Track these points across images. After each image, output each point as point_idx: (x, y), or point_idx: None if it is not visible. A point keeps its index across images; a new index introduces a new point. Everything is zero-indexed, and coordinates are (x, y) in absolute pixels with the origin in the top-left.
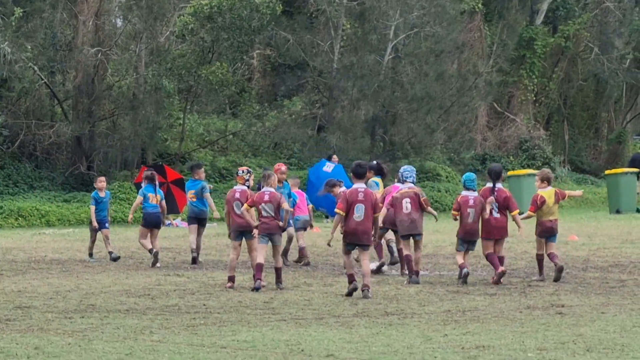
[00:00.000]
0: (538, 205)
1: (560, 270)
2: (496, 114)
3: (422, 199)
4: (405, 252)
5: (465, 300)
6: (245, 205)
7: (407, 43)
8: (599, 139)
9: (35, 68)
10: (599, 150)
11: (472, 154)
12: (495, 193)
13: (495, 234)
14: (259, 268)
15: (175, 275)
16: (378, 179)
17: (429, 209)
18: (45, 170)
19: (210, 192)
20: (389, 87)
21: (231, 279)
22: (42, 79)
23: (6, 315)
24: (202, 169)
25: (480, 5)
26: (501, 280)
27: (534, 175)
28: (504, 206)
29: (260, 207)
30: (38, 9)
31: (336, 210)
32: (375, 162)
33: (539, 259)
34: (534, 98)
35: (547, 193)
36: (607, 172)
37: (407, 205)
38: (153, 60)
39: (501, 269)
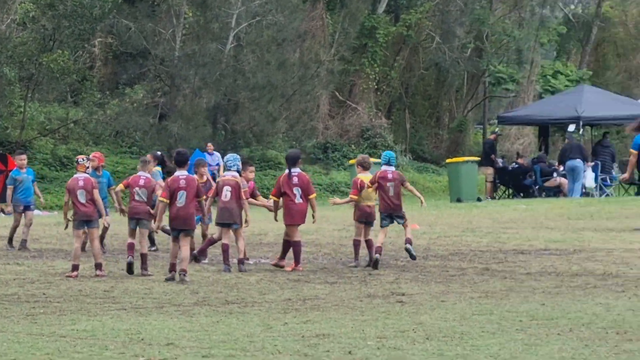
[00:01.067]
0: (359, 189)
1: (375, 263)
2: (338, 102)
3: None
4: (223, 241)
5: (306, 289)
6: (121, 185)
7: (249, 31)
8: (440, 128)
9: None
10: (440, 139)
11: (314, 142)
12: (295, 178)
13: (298, 218)
14: (130, 247)
15: (15, 264)
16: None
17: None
18: None
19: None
20: (231, 76)
21: (75, 267)
22: None
23: None
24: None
25: None
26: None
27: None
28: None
29: (134, 190)
30: None
31: (159, 198)
32: (159, 152)
33: (356, 244)
34: (376, 87)
35: (367, 178)
36: (448, 160)
37: (226, 193)
38: None
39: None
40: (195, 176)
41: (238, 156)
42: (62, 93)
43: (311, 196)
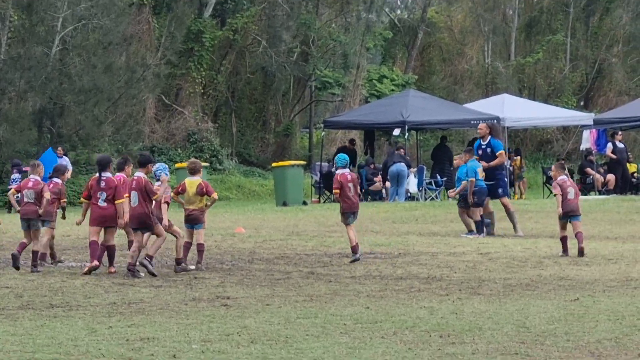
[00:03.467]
0: (179, 191)
1: (183, 269)
2: (164, 106)
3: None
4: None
5: (131, 292)
6: (13, 190)
7: (75, 35)
8: (267, 132)
9: None
10: (267, 143)
11: (140, 146)
12: (103, 182)
13: (100, 222)
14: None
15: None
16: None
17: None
18: None
19: None
20: (57, 79)
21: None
22: None
23: None
24: None
25: None
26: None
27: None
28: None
29: (23, 192)
30: None
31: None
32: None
33: (187, 246)
34: (202, 91)
35: (191, 182)
36: (274, 164)
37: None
38: None
39: (95, 263)
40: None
41: (166, 166)
42: None
43: (119, 201)
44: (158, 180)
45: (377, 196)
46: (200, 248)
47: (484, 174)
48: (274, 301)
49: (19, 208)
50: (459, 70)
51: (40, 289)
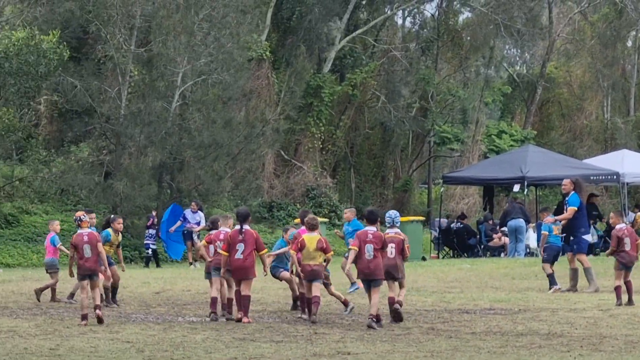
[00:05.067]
0: (299, 247)
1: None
2: (283, 161)
3: None
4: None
5: (252, 348)
6: (204, 242)
7: (194, 90)
8: (385, 187)
9: None
10: (386, 199)
11: (259, 201)
12: (242, 235)
13: (241, 274)
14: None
15: None
16: None
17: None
18: None
19: None
20: (177, 134)
21: (85, 317)
22: None
23: None
24: None
25: (268, 53)
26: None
27: (322, 222)
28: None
29: (215, 244)
30: None
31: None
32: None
33: (302, 299)
34: (321, 146)
35: (310, 238)
36: None
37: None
38: None
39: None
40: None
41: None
42: (7, 150)
43: (261, 252)
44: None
45: (496, 252)
46: (316, 300)
47: (558, 231)
48: (395, 357)
49: (210, 259)
50: (577, 125)
51: (161, 344)
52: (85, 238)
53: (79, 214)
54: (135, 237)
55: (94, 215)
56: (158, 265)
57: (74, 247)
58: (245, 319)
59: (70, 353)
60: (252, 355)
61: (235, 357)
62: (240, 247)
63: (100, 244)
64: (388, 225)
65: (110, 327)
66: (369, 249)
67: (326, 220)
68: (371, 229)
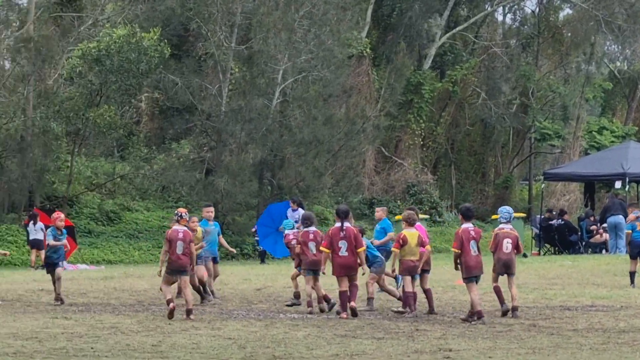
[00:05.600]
0: (401, 244)
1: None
2: (384, 158)
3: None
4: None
5: (353, 344)
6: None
7: (295, 87)
8: (486, 184)
9: None
10: (486, 195)
11: (360, 198)
12: (344, 232)
13: (346, 271)
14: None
15: (63, 318)
16: None
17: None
18: None
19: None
20: (277, 131)
21: (169, 301)
22: None
23: None
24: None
25: (368, 49)
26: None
27: (423, 219)
28: (354, 244)
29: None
30: None
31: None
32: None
33: (407, 295)
34: (422, 142)
35: (411, 234)
36: (493, 217)
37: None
38: (41, 103)
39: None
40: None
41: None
42: (109, 148)
43: (360, 249)
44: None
45: (597, 249)
46: (421, 294)
47: None
48: (496, 354)
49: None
50: None
51: (263, 340)
52: (180, 235)
53: (181, 210)
54: (236, 233)
55: (196, 219)
56: (262, 262)
57: (168, 241)
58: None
59: (172, 349)
60: (353, 352)
61: (336, 354)
62: (343, 244)
63: (192, 244)
64: (504, 221)
65: (212, 324)
66: (473, 246)
67: (427, 216)
68: (469, 225)
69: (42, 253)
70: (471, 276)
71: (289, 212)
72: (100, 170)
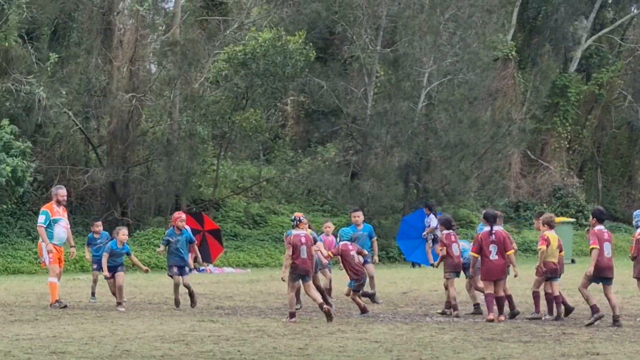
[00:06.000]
0: (548, 242)
1: (568, 311)
2: (530, 161)
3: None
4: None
5: (500, 348)
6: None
7: (440, 90)
8: (633, 187)
9: (70, 113)
10: (633, 198)
11: (506, 201)
12: (494, 236)
13: (495, 275)
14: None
15: (210, 321)
16: None
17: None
18: (79, 215)
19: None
20: (423, 134)
21: (292, 314)
22: (77, 125)
23: None
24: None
25: (513, 52)
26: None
27: (569, 222)
28: (503, 247)
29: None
30: (73, 55)
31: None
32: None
33: (535, 295)
34: (568, 145)
35: (553, 236)
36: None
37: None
38: (187, 106)
39: (491, 316)
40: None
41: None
42: (255, 151)
43: (509, 252)
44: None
45: None
46: (550, 297)
47: None
48: None
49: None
50: None
51: (409, 344)
52: (303, 239)
53: (299, 214)
54: (381, 237)
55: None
56: (413, 266)
57: (292, 246)
58: (501, 317)
59: (319, 353)
60: (500, 356)
61: (483, 357)
62: (494, 248)
63: (313, 247)
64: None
65: (359, 327)
66: (607, 247)
67: (573, 220)
68: (602, 227)
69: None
70: (602, 277)
71: (426, 218)
72: (246, 174)
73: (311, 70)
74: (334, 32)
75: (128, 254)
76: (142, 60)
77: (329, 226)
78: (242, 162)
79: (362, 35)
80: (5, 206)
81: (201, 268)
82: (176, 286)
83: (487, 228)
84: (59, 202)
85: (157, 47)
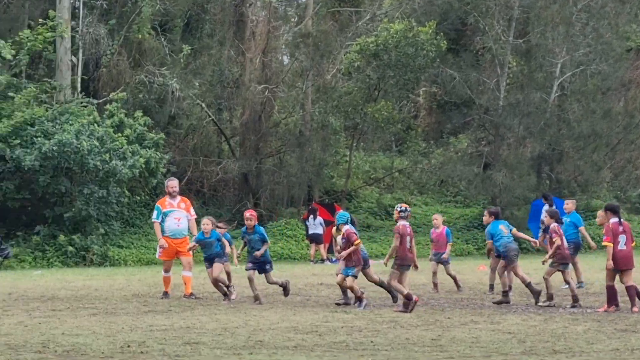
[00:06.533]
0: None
1: None
2: None
3: None
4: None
5: (634, 339)
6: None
7: (573, 80)
8: None
9: (203, 105)
10: None
11: (639, 192)
12: (622, 227)
13: (622, 264)
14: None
15: (343, 312)
16: None
17: None
18: (212, 207)
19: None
20: (555, 125)
21: (409, 296)
22: (210, 116)
23: (175, 352)
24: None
25: None
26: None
27: None
28: (631, 238)
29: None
30: (206, 46)
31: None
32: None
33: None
34: None
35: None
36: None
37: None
38: (319, 98)
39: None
40: None
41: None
42: (387, 142)
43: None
44: None
45: None
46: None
47: None
48: None
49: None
50: None
51: (542, 335)
52: (408, 230)
53: (404, 205)
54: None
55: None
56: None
57: (401, 236)
58: (635, 308)
59: (452, 343)
60: (634, 347)
61: (617, 348)
62: (622, 238)
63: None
64: None
65: (491, 318)
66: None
67: None
68: (616, 220)
69: (321, 247)
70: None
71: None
72: (379, 165)
73: (443, 61)
74: (466, 23)
75: (218, 239)
76: (274, 52)
77: (437, 218)
78: (375, 153)
79: (494, 26)
80: (139, 197)
81: (334, 259)
82: (250, 280)
83: (614, 219)
84: (170, 194)
85: (289, 38)
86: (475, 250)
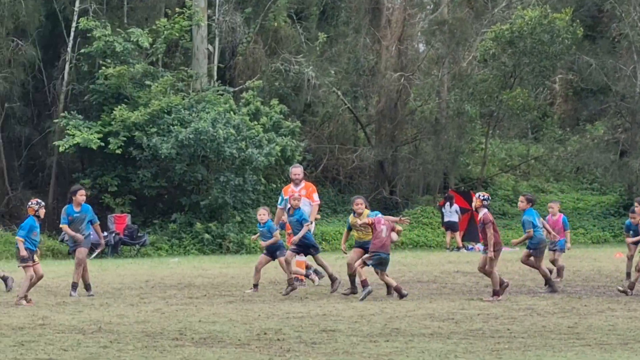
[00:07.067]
0: None
1: None
2: None
3: None
4: None
5: None
6: None
7: None
8: None
9: (339, 93)
10: None
11: None
12: None
13: None
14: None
15: (479, 299)
16: None
17: None
18: (348, 194)
19: None
20: None
21: (499, 289)
22: (346, 104)
23: (312, 339)
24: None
25: None
26: None
27: None
28: None
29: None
30: (342, 34)
31: None
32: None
33: None
34: None
35: None
36: None
37: None
38: (455, 85)
39: None
40: None
41: None
42: (523, 129)
43: None
44: None
45: None
46: None
47: None
48: None
49: None
50: None
51: None
52: (491, 217)
53: (486, 194)
54: None
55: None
56: None
57: (493, 225)
58: None
59: (589, 331)
60: None
61: None
62: None
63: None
64: None
65: (628, 305)
66: None
67: None
68: None
69: (457, 235)
70: None
71: None
72: (515, 152)
73: (579, 49)
74: (602, 10)
75: (270, 230)
76: (410, 39)
77: (553, 206)
78: (510, 140)
79: (630, 12)
80: (274, 185)
81: (470, 247)
82: (287, 263)
83: None
84: (294, 181)
85: (425, 26)
86: (612, 237)
